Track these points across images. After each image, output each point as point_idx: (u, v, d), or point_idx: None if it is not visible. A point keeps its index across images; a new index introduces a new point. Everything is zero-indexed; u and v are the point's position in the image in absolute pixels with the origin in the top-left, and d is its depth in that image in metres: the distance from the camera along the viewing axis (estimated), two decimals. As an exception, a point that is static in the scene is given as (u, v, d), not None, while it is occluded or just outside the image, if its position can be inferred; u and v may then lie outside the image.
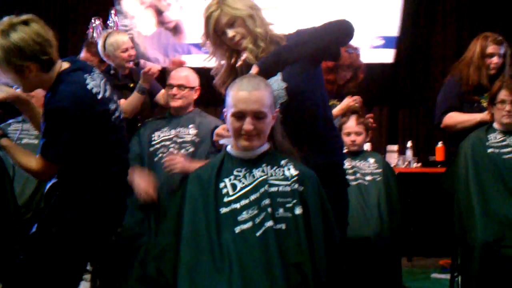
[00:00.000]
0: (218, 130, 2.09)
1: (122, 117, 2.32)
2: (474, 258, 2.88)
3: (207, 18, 2.16)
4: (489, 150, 3.05)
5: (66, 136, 2.07)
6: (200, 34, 2.24)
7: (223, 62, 2.25)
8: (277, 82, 2.12)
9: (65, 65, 2.18)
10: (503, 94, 3.06)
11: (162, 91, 3.43)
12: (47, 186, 2.26)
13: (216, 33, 2.17)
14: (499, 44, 3.39)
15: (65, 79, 2.12)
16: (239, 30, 2.15)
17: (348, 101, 3.39)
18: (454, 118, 3.39)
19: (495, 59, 3.38)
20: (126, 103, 3.36)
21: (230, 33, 2.14)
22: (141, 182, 2.93)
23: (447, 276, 3.77)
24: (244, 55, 2.16)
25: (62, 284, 2.15)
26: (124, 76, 3.60)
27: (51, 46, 2.09)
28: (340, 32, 2.19)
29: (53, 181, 2.24)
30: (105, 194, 2.21)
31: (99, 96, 2.17)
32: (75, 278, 2.23)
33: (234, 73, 2.24)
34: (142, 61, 3.49)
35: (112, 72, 3.59)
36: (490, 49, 3.39)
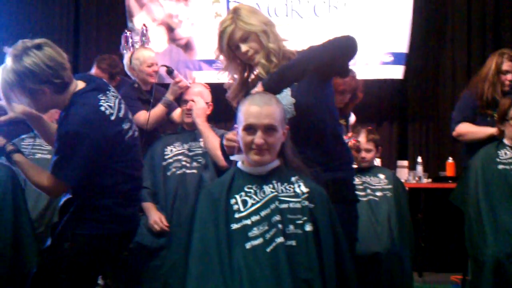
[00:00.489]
0: (228, 135, 2.10)
1: (136, 135, 2.34)
2: (484, 274, 2.88)
3: (221, 33, 2.19)
4: (500, 167, 3.06)
5: (78, 159, 2.09)
6: (211, 50, 2.28)
7: (236, 76, 2.28)
8: (286, 97, 2.13)
9: (81, 84, 2.20)
10: None
11: (179, 109, 3.46)
12: (61, 201, 2.29)
13: (229, 47, 2.20)
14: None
15: (79, 101, 2.14)
16: (252, 45, 2.17)
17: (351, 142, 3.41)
18: (466, 127, 3.45)
19: (509, 76, 3.42)
20: (151, 115, 3.39)
21: (244, 48, 2.17)
22: (154, 213, 2.97)
23: (458, 292, 3.76)
24: (257, 71, 2.19)
25: None
26: (146, 91, 3.64)
27: (65, 69, 2.11)
28: (343, 48, 2.19)
29: (67, 196, 2.26)
30: (117, 212, 2.22)
31: (113, 118, 2.18)
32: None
33: (246, 87, 2.27)
34: (175, 72, 3.50)
35: (136, 85, 3.63)
36: (505, 66, 3.43)
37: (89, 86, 2.21)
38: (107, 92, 2.24)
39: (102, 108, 2.16)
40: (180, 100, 3.38)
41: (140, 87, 3.63)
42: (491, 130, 3.29)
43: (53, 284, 2.14)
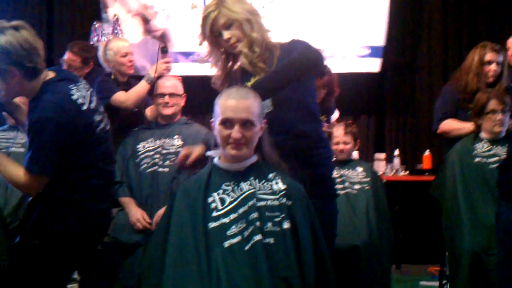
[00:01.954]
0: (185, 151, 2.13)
1: (108, 128, 2.29)
2: (462, 266, 2.90)
3: (205, 18, 2.17)
4: (476, 160, 3.08)
5: (50, 146, 2.04)
6: (187, 42, 2.24)
7: (219, 63, 2.25)
8: None
9: (51, 74, 2.16)
10: (493, 104, 3.10)
11: (151, 106, 3.40)
12: (29, 198, 2.23)
13: (212, 33, 2.18)
14: (497, 52, 3.45)
15: (50, 89, 2.09)
16: (235, 32, 2.15)
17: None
18: (450, 125, 3.44)
19: (493, 67, 3.43)
20: (132, 91, 3.32)
21: (226, 35, 2.15)
22: (135, 210, 2.92)
23: (435, 284, 3.79)
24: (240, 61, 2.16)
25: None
26: (122, 83, 3.57)
27: (38, 55, 2.07)
28: (307, 66, 2.15)
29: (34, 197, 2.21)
30: (87, 207, 2.18)
31: (84, 108, 2.15)
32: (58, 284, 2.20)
33: (230, 78, 2.25)
34: (169, 53, 3.42)
35: (112, 77, 3.57)
36: (488, 56, 3.44)
37: (59, 75, 2.17)
38: (78, 83, 2.19)
39: (74, 97, 2.12)
40: (151, 94, 3.32)
41: (116, 78, 3.56)
42: (473, 127, 3.29)
43: (25, 281, 2.09)
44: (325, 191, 2.19)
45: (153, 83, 3.30)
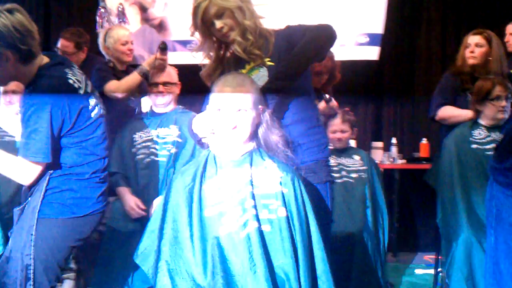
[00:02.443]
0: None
1: (103, 113, 2.28)
2: (457, 254, 2.91)
3: (195, 8, 2.14)
4: (473, 146, 3.09)
5: (46, 131, 2.03)
6: (185, 31, 2.23)
7: (211, 53, 2.23)
8: (263, 78, 2.12)
9: (46, 59, 2.15)
10: (498, 90, 3.10)
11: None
12: (24, 187, 2.22)
13: (204, 24, 2.15)
14: (477, 34, 3.45)
15: (46, 73, 2.09)
16: (227, 21, 2.13)
17: (323, 106, 3.37)
18: (448, 111, 3.44)
19: (471, 48, 3.43)
20: (122, 81, 3.31)
21: (218, 24, 2.13)
22: (129, 199, 2.92)
23: (431, 271, 3.81)
24: (233, 48, 2.15)
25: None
26: (121, 71, 3.56)
27: (33, 39, 2.06)
28: (325, 41, 2.16)
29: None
30: (84, 194, 2.18)
31: (81, 91, 2.15)
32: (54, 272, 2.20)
33: (222, 65, 2.23)
34: (167, 51, 3.41)
35: (111, 64, 3.56)
36: (468, 39, 3.46)
37: (54, 60, 2.16)
38: (73, 67, 2.19)
39: (70, 81, 2.12)
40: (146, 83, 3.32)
41: (115, 66, 3.56)
42: (471, 114, 3.30)
43: (21, 269, 2.10)
44: (322, 176, 2.19)
45: (145, 76, 3.28)
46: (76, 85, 2.13)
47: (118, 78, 3.42)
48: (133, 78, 3.32)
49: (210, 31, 2.18)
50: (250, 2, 2.20)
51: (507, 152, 1.97)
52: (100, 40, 3.64)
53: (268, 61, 2.15)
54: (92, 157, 2.19)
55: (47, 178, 2.14)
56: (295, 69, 2.04)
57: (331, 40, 2.17)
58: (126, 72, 3.54)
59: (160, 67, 3.25)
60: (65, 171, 2.15)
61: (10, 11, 2.01)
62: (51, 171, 2.13)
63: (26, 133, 2.04)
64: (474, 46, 3.43)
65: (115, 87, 3.28)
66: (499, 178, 1.92)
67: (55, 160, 2.11)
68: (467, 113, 3.28)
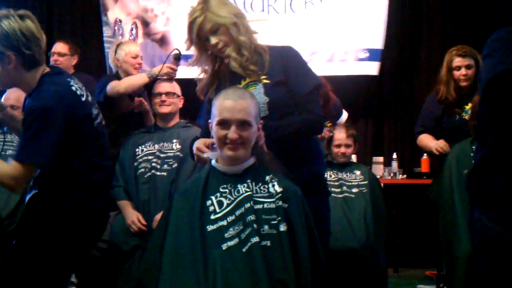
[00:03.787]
0: (198, 144, 2.06)
1: (103, 123, 2.29)
2: (458, 269, 2.90)
3: (191, 24, 2.15)
4: (473, 161, 3.07)
5: (48, 136, 2.00)
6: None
7: (206, 68, 2.24)
8: (259, 95, 2.12)
9: (47, 69, 2.17)
10: None
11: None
12: (27, 197, 2.22)
13: (199, 39, 2.16)
14: (464, 56, 3.45)
15: (49, 80, 2.10)
16: (222, 37, 2.14)
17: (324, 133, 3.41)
18: (421, 141, 3.58)
19: (463, 71, 3.44)
20: (125, 78, 3.33)
21: (213, 40, 2.13)
22: (130, 213, 2.93)
23: (432, 287, 3.79)
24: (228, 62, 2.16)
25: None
26: None
27: (39, 46, 2.08)
28: (315, 132, 2.29)
29: (34, 192, 2.20)
30: (87, 203, 2.17)
31: (83, 99, 2.16)
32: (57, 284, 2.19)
33: (218, 79, 2.24)
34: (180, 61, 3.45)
35: (119, 76, 3.59)
36: (455, 62, 3.46)
37: (54, 70, 2.19)
38: (73, 77, 2.22)
39: (73, 89, 2.13)
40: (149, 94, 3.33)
41: (121, 78, 3.59)
42: (431, 144, 3.41)
43: (24, 281, 2.09)
44: (318, 189, 2.20)
45: (152, 79, 3.29)
46: (78, 92, 2.15)
47: (128, 94, 3.44)
48: (139, 77, 3.36)
49: (205, 45, 2.18)
50: (245, 17, 2.21)
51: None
52: (111, 51, 3.70)
53: (264, 78, 2.16)
54: (94, 166, 2.19)
55: (49, 188, 2.13)
56: (284, 135, 2.10)
57: (319, 132, 2.37)
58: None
59: (169, 75, 3.27)
60: (67, 180, 2.13)
61: (21, 17, 2.05)
62: (54, 181, 2.12)
63: (28, 136, 2.02)
64: (465, 68, 3.44)
65: (116, 83, 3.32)
66: (479, 199, 1.87)
67: (58, 168, 2.10)
68: (430, 146, 3.40)
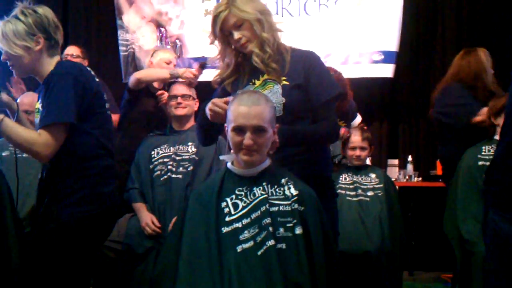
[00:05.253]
0: (214, 100, 2.08)
1: (110, 113, 2.33)
2: (474, 271, 2.87)
3: (215, 17, 2.17)
4: (480, 163, 3.04)
5: (69, 96, 2.07)
6: (201, 48, 2.26)
7: (227, 60, 2.26)
8: (276, 95, 2.13)
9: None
10: None
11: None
12: (39, 187, 2.23)
13: (223, 33, 2.18)
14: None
15: (63, 63, 2.24)
16: (245, 33, 2.16)
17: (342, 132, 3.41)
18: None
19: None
20: (147, 69, 3.43)
21: (236, 35, 2.15)
22: (145, 215, 2.94)
23: (448, 291, 3.77)
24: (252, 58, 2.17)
25: (69, 284, 2.13)
26: (155, 88, 3.63)
27: (61, 35, 2.27)
28: (332, 140, 2.31)
29: (43, 185, 2.22)
30: (96, 191, 2.17)
31: (97, 79, 2.26)
32: (81, 278, 2.19)
33: (237, 73, 2.26)
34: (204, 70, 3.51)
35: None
36: (490, 63, 3.45)
37: (67, 61, 2.37)
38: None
39: (88, 69, 2.26)
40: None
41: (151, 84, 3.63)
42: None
43: (43, 278, 2.10)
44: (326, 191, 2.19)
45: (173, 77, 3.33)
46: (92, 73, 2.26)
47: (150, 92, 3.47)
48: (161, 71, 3.42)
49: (228, 40, 2.20)
50: (270, 15, 2.22)
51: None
52: (148, 57, 3.83)
53: (284, 79, 2.16)
54: (103, 151, 2.21)
55: (60, 175, 2.14)
56: (304, 142, 2.14)
57: (335, 140, 2.37)
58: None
59: (189, 80, 3.31)
60: (78, 163, 2.15)
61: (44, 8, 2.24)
62: (65, 166, 2.14)
63: (49, 100, 2.08)
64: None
65: (139, 72, 3.42)
66: (495, 201, 1.85)
67: (68, 151, 2.12)
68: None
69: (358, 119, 3.91)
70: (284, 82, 2.16)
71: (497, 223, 1.78)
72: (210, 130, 2.25)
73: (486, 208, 1.87)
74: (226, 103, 2.03)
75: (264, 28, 2.16)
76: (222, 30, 2.17)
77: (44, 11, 2.21)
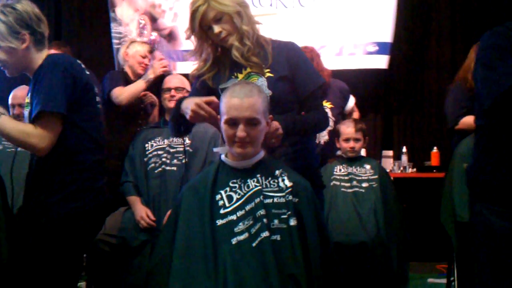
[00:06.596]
0: (198, 100, 2.00)
1: (101, 108, 2.30)
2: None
3: (193, 12, 2.12)
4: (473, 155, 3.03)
5: (60, 86, 2.04)
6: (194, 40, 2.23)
7: (204, 56, 2.23)
8: (262, 88, 2.10)
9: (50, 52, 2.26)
10: None
11: None
12: (28, 181, 2.21)
13: (202, 28, 2.14)
14: None
15: (53, 55, 2.20)
16: (225, 26, 2.12)
17: None
18: (469, 121, 3.39)
19: None
20: (126, 88, 3.38)
21: (216, 29, 2.11)
22: (139, 208, 2.93)
23: (443, 281, 3.78)
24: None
25: (59, 279, 2.11)
26: (133, 82, 3.62)
27: (45, 26, 2.20)
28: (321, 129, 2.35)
29: (31, 178, 2.19)
30: (85, 186, 2.13)
31: (87, 72, 2.21)
32: (71, 274, 2.18)
33: (217, 67, 2.23)
34: (157, 52, 3.54)
35: (125, 71, 3.65)
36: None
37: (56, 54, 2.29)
38: None
39: (78, 62, 2.22)
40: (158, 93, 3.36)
41: (128, 74, 3.62)
42: None
43: (35, 272, 2.08)
44: (314, 182, 2.16)
45: (149, 83, 3.40)
46: (83, 66, 2.21)
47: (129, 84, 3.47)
48: (138, 85, 3.42)
49: (207, 35, 2.16)
50: (248, 7, 2.19)
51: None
52: (123, 46, 3.79)
53: (267, 71, 2.15)
54: (93, 145, 2.18)
55: (50, 170, 2.11)
56: (298, 130, 2.12)
57: (326, 128, 2.38)
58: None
59: (164, 67, 3.39)
60: (67, 158, 2.11)
61: (23, 1, 2.18)
62: (55, 161, 2.10)
63: (40, 89, 2.05)
64: None
65: (119, 92, 3.36)
66: (481, 194, 1.85)
67: (58, 144, 2.08)
68: None
69: (351, 101, 3.89)
70: (268, 74, 2.14)
71: (486, 217, 1.78)
72: (185, 123, 2.19)
73: (472, 202, 1.87)
74: (210, 102, 2.00)
75: (243, 20, 2.13)
76: (201, 25, 2.13)
77: (23, 6, 2.15)
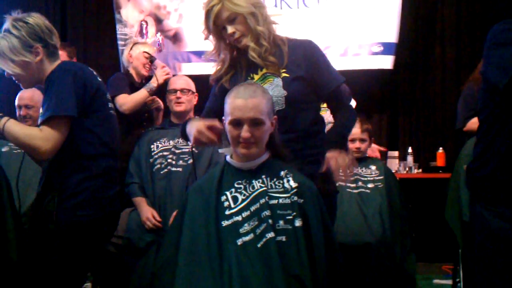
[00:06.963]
0: (200, 127, 2.00)
1: (114, 113, 2.30)
2: None
3: (208, 12, 2.13)
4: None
5: (70, 91, 2.05)
6: (200, 42, 2.24)
7: (223, 57, 2.23)
8: (277, 88, 2.11)
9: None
10: None
11: None
12: (39, 188, 2.22)
13: (216, 27, 2.14)
14: None
15: (64, 63, 2.24)
16: (239, 27, 2.12)
17: None
18: (474, 124, 3.39)
19: None
20: (130, 97, 3.40)
21: (230, 29, 2.11)
22: (145, 209, 2.94)
23: (449, 282, 3.77)
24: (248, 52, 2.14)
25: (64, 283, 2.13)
26: (138, 84, 3.64)
27: (57, 38, 2.24)
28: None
29: (43, 183, 2.20)
30: (98, 195, 2.14)
31: (99, 79, 2.24)
32: (76, 279, 2.19)
33: (234, 68, 2.23)
34: (157, 60, 3.55)
35: (130, 72, 3.67)
36: None
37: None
38: None
39: (90, 69, 2.24)
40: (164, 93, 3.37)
41: (132, 77, 3.63)
42: None
43: (42, 277, 2.10)
44: (328, 188, 2.16)
45: (152, 92, 3.42)
46: (95, 73, 2.24)
47: (136, 88, 3.48)
48: (141, 94, 3.43)
49: (222, 35, 2.16)
50: (264, 7, 2.18)
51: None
52: (127, 48, 3.79)
53: (283, 72, 2.14)
54: (107, 151, 2.19)
55: (62, 176, 2.12)
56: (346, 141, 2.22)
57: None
58: (141, 85, 3.61)
59: (167, 75, 3.42)
60: (80, 164, 2.12)
61: (36, 16, 2.20)
62: (68, 167, 2.11)
63: (50, 94, 2.06)
64: None
65: (122, 101, 3.38)
66: (480, 195, 1.84)
67: (70, 149, 2.10)
68: None
69: (353, 105, 3.88)
70: (284, 75, 2.13)
71: (486, 218, 1.77)
72: None
73: (473, 202, 1.87)
74: (212, 128, 2.00)
75: (258, 21, 2.12)
76: (216, 25, 2.13)
77: (34, 19, 2.17)
